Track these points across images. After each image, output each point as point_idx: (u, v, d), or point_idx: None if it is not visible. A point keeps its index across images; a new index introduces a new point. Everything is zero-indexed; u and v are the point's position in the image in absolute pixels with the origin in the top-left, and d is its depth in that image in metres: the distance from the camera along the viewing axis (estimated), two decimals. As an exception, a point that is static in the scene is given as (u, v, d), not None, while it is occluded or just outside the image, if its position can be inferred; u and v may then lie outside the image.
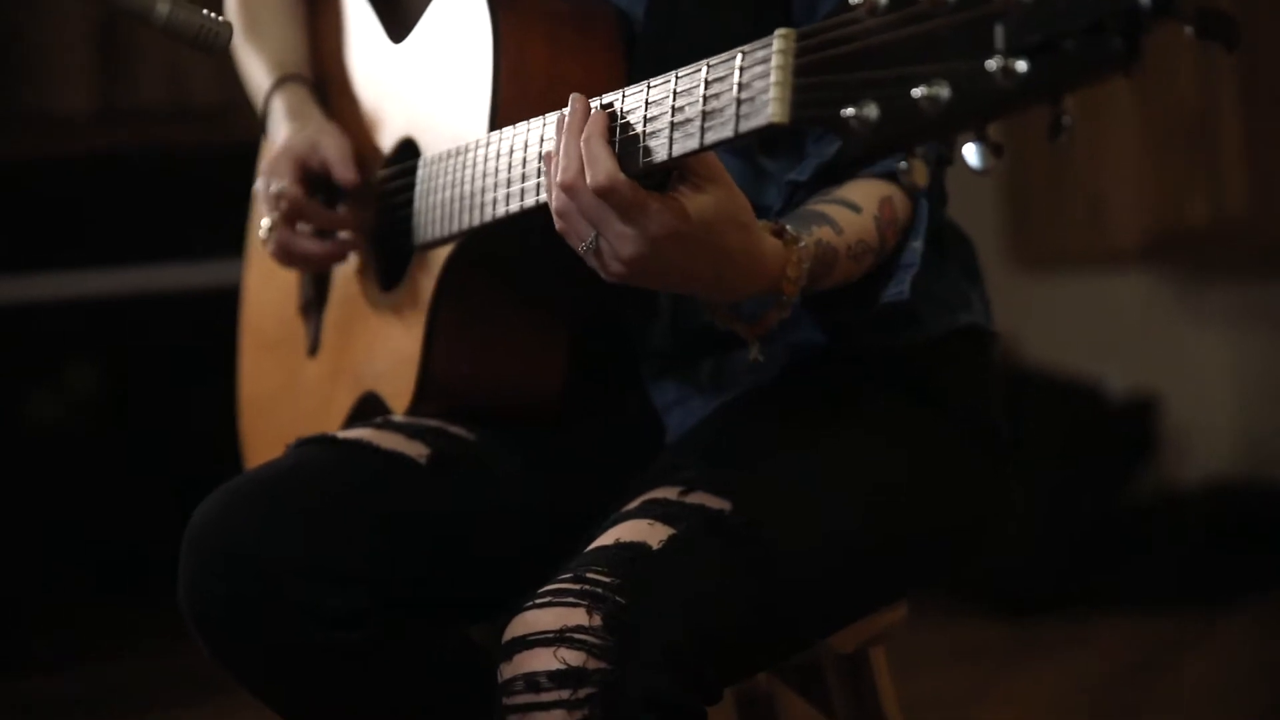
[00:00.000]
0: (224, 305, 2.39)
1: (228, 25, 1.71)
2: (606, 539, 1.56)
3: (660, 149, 1.43)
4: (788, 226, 1.54)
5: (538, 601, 1.51)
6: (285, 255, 1.91)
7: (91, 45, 4.30)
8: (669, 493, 1.58)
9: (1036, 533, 4.10)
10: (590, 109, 1.49)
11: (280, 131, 1.96)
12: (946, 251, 1.80)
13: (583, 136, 1.47)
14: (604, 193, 1.44)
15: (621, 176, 1.44)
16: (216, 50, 1.71)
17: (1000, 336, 1.84)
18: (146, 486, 4.15)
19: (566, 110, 1.50)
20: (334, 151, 1.90)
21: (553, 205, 1.50)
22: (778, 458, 1.65)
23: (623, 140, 1.47)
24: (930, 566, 1.76)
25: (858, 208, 1.61)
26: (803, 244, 1.53)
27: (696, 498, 1.57)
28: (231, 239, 2.04)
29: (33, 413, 4.31)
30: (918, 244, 1.65)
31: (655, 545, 1.53)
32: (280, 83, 2.01)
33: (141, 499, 4.11)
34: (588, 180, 1.45)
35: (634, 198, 1.44)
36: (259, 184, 1.92)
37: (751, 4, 1.72)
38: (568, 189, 1.47)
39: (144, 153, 4.04)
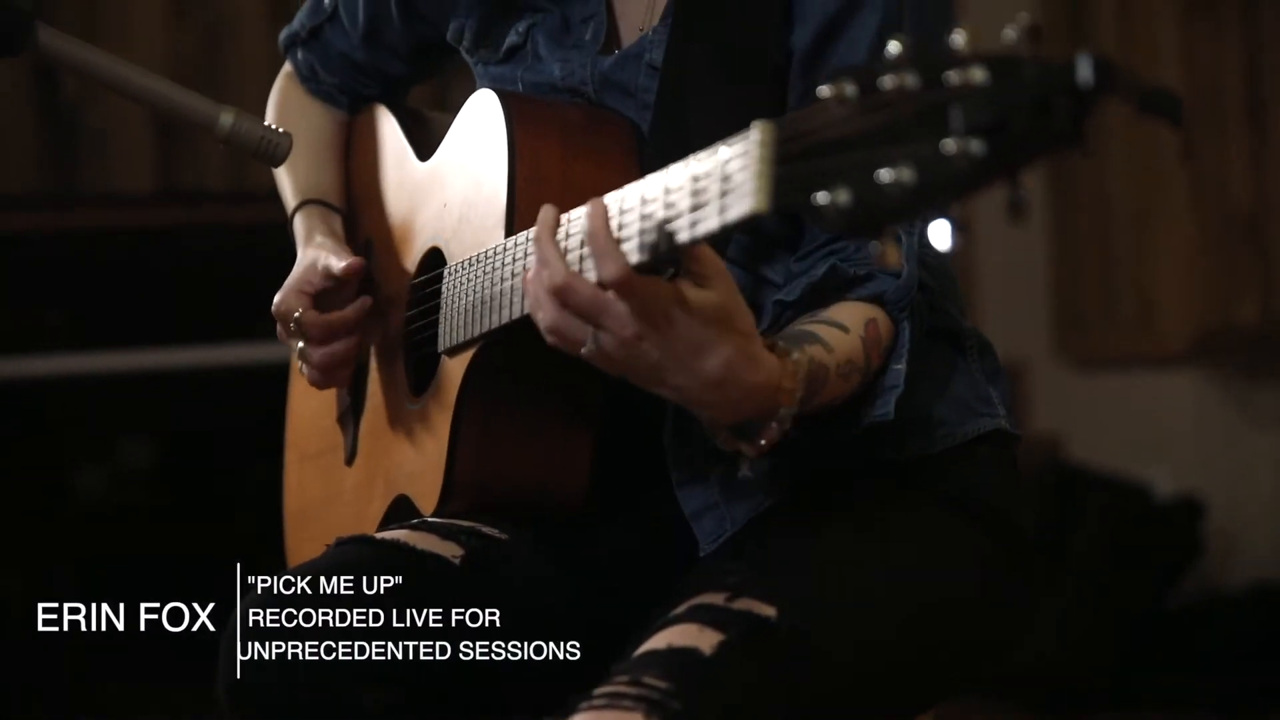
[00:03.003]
0: (277, 384, 2.42)
1: (288, 136, 1.77)
2: (658, 642, 1.57)
3: (653, 244, 1.46)
4: (779, 342, 1.57)
5: (594, 703, 1.52)
6: (330, 370, 1.97)
7: (152, 127, 4.35)
8: (715, 598, 1.60)
9: (1079, 632, 4.08)
10: (559, 218, 1.55)
11: (298, 253, 2.04)
12: (967, 354, 1.82)
13: (588, 231, 1.51)
14: (617, 285, 1.48)
15: (631, 270, 1.48)
16: (277, 161, 1.78)
17: (1022, 438, 1.85)
18: (195, 563, 4.16)
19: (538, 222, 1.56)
20: (328, 256, 1.97)
21: (543, 320, 1.54)
22: (818, 565, 1.66)
23: (619, 239, 1.50)
24: (960, 675, 1.77)
25: (845, 328, 1.64)
26: (795, 357, 1.56)
27: (743, 604, 1.59)
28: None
29: (83, 488, 4.33)
30: (900, 366, 1.67)
31: (707, 651, 1.55)
32: (300, 207, 2.10)
33: (188, 577, 4.12)
34: (600, 276, 1.49)
35: (639, 285, 1.48)
36: (279, 329, 1.98)
37: (751, 110, 1.74)
38: (560, 291, 1.51)
39: (202, 232, 4.07)
